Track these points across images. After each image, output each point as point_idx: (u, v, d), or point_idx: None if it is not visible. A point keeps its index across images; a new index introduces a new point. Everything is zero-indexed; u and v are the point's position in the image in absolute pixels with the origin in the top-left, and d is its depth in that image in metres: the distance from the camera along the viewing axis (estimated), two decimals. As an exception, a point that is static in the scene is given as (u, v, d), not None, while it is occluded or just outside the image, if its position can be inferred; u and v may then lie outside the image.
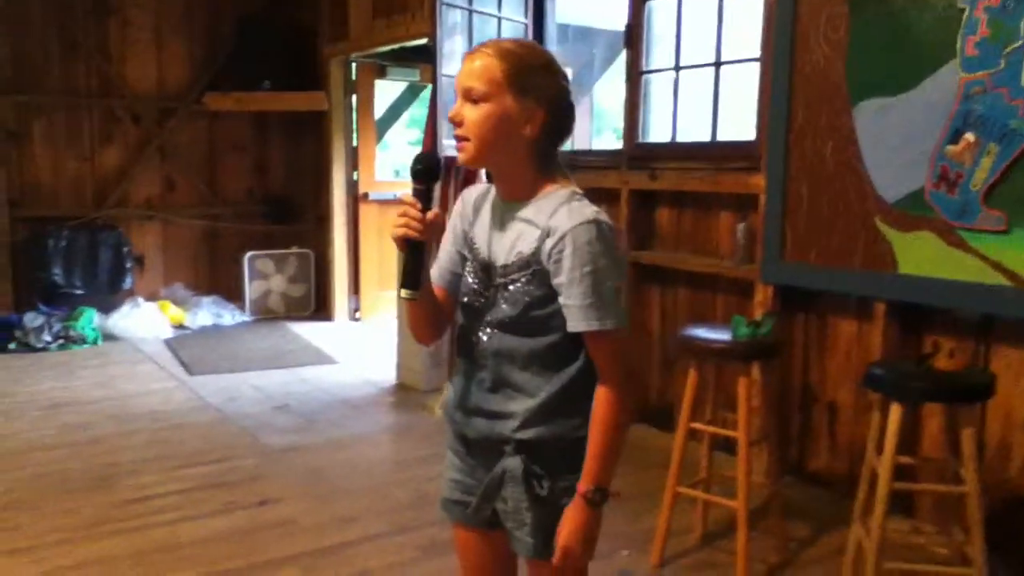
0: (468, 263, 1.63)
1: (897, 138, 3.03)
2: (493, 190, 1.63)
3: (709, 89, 3.96)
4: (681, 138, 4.18)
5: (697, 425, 2.96)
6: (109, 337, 6.25)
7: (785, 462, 3.59)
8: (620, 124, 4.42)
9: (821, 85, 3.28)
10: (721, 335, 2.90)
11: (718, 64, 3.91)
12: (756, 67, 3.64)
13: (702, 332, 2.95)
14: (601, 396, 1.50)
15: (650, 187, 4.19)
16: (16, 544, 2.98)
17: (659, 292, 4.29)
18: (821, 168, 3.30)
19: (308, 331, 6.76)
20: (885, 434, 2.48)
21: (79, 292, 6.43)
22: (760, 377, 3.12)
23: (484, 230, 1.61)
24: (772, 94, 3.45)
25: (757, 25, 3.58)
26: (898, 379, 2.51)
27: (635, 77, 4.28)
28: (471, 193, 1.68)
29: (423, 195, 1.50)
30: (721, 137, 3.95)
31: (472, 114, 1.49)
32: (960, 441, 2.46)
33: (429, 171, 1.52)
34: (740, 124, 4.00)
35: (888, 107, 3.06)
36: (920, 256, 2.99)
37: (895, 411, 2.45)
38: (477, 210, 1.65)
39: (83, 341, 6.03)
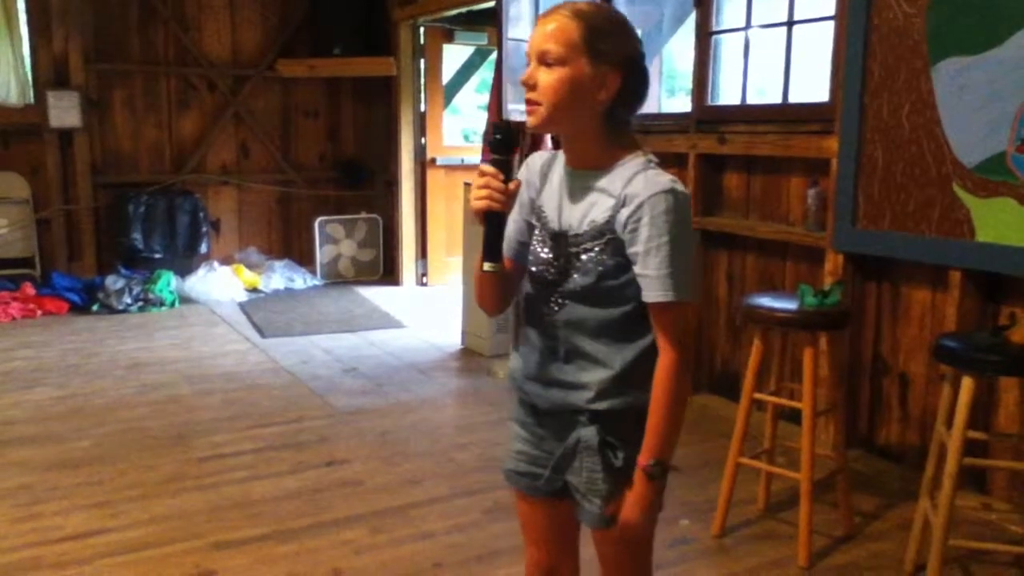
0: (537, 232, 1.59)
1: (978, 99, 2.90)
2: (560, 157, 1.59)
3: (781, 49, 3.84)
4: (752, 100, 4.07)
5: (761, 395, 2.92)
6: (186, 300, 6.46)
7: (854, 434, 3.52)
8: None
9: (899, 44, 3.15)
10: (786, 303, 2.84)
11: (791, 23, 3.78)
12: (831, 26, 3.51)
13: (766, 300, 2.89)
14: (664, 368, 1.48)
15: (719, 151, 4.10)
16: (99, 498, 3.12)
17: (727, 259, 4.21)
18: (897, 131, 3.18)
19: (376, 295, 6.87)
20: (956, 408, 2.40)
21: (158, 256, 6.66)
22: (827, 347, 3.05)
23: (553, 199, 1.57)
24: (847, 54, 3.33)
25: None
26: (970, 351, 2.42)
27: (704, 38, 4.17)
28: (536, 160, 1.63)
29: (504, 165, 1.48)
30: (793, 99, 3.83)
31: (546, 78, 1.44)
32: (1037, 416, 2.38)
33: (508, 141, 1.49)
34: (812, 86, 3.87)
35: (969, 67, 2.92)
36: (999, 223, 2.86)
37: (966, 384, 2.37)
38: (544, 177, 1.60)
39: (161, 303, 6.25)
